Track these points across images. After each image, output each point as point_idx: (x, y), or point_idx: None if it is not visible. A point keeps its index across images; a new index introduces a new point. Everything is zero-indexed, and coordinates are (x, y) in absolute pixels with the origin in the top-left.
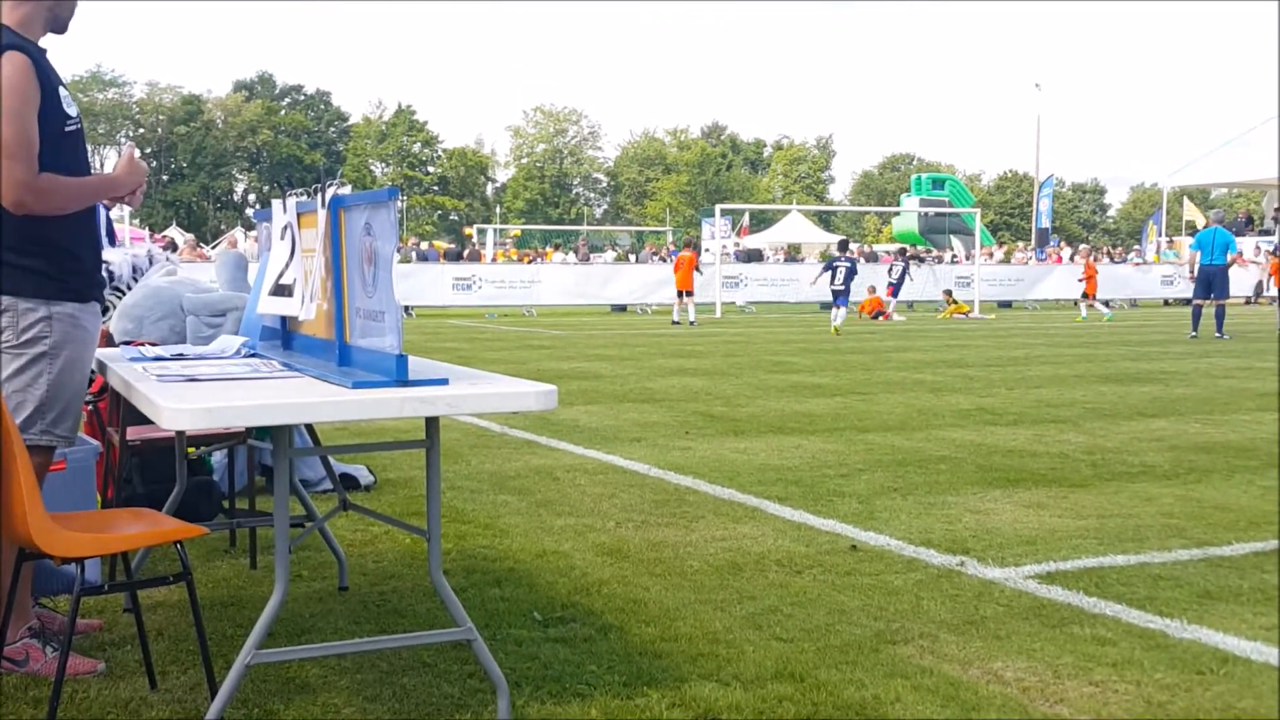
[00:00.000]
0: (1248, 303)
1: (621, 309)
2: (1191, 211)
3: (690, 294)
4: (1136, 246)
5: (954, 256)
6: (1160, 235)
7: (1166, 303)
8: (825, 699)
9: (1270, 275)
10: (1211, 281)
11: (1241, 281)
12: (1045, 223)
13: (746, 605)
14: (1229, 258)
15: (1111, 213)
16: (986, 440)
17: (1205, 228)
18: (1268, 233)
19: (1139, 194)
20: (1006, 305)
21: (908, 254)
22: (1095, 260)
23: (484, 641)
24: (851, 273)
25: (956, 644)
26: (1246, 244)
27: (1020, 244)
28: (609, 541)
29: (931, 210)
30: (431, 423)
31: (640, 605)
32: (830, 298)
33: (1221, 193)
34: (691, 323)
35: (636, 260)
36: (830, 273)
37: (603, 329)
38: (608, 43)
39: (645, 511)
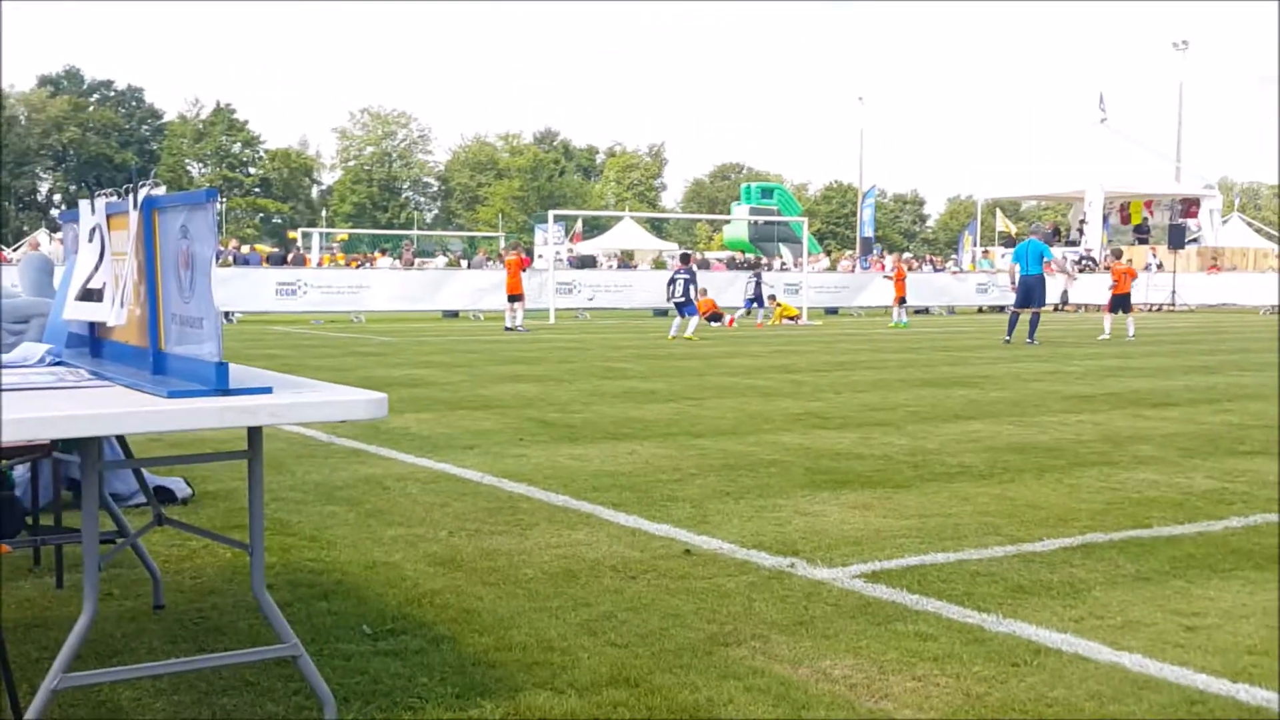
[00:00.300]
0: (1055, 310)
1: (454, 315)
2: (1004, 222)
3: (519, 299)
4: (954, 256)
5: (783, 264)
6: (975, 245)
7: (981, 310)
8: (660, 703)
9: (1112, 282)
10: (1030, 290)
11: (1050, 290)
12: (868, 232)
13: (581, 612)
14: (1044, 266)
15: (930, 223)
16: (815, 444)
17: (1021, 240)
18: (1074, 243)
19: (955, 205)
20: (833, 312)
21: (758, 266)
22: (910, 268)
23: (310, 657)
24: (690, 284)
25: (787, 644)
26: (1054, 254)
27: (846, 252)
28: (441, 551)
29: (761, 219)
30: (254, 433)
31: (473, 615)
32: (671, 308)
33: (1031, 205)
34: (519, 328)
35: (469, 265)
36: (671, 286)
37: (434, 335)
38: (438, 44)
39: (478, 520)
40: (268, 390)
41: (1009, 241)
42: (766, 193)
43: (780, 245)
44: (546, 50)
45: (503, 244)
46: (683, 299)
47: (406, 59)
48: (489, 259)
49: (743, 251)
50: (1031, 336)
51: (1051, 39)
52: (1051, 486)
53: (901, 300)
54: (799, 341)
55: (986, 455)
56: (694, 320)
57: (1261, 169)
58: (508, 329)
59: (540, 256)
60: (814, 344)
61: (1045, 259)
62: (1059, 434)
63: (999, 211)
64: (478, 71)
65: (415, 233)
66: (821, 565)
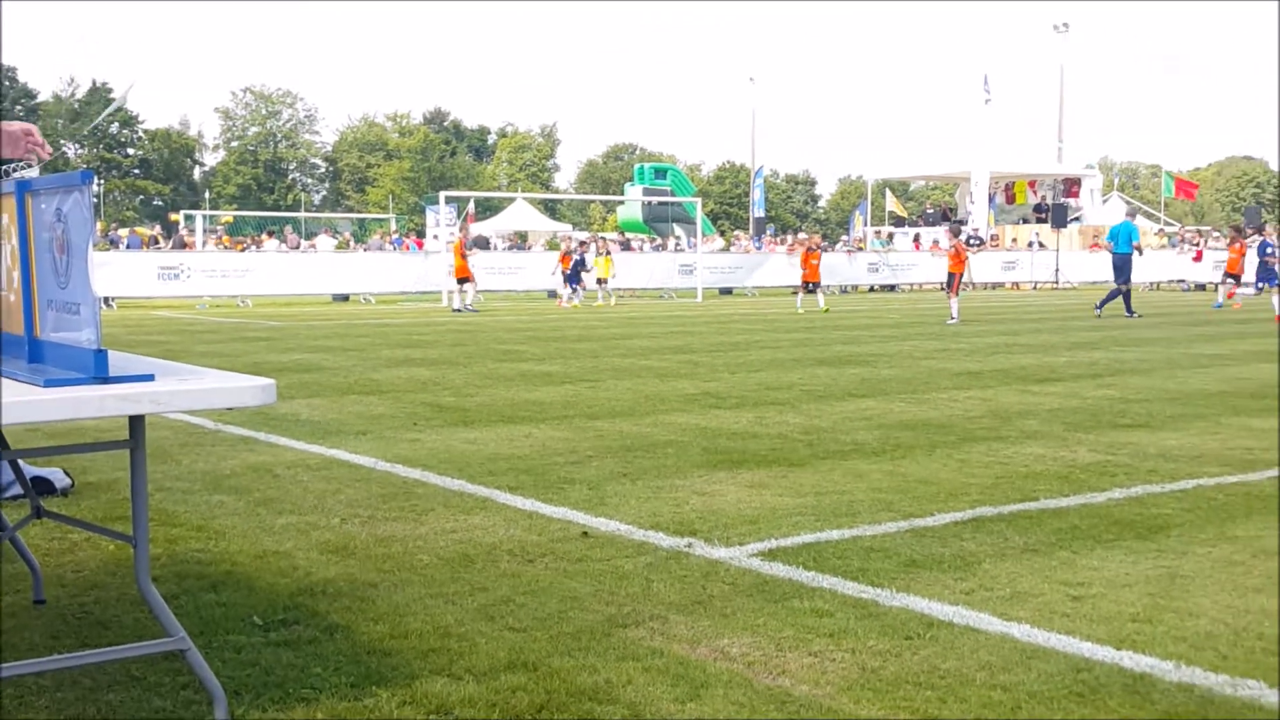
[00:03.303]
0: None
1: (344, 298)
2: (893, 202)
3: (468, 280)
4: (845, 236)
5: (677, 244)
6: (866, 225)
7: (872, 289)
8: (558, 686)
9: (949, 263)
10: (1122, 267)
11: (940, 270)
12: (760, 212)
13: (479, 597)
14: (1133, 246)
15: (822, 203)
16: (711, 424)
17: (1119, 222)
18: (962, 223)
19: (846, 185)
20: (727, 292)
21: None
22: (819, 249)
23: (198, 650)
24: (579, 264)
25: (685, 624)
26: (940, 234)
27: (739, 233)
28: (334, 539)
29: (654, 199)
30: (136, 421)
31: (368, 603)
32: (563, 284)
33: (920, 184)
34: (469, 308)
35: (365, 248)
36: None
37: (324, 319)
38: (324, 21)
39: (372, 506)
40: (150, 377)
41: (899, 221)
42: (660, 173)
43: (674, 226)
44: (436, 29)
45: (394, 225)
46: (572, 274)
47: (292, 36)
48: (384, 241)
49: (636, 233)
50: (1129, 310)
51: (938, 21)
52: (942, 462)
53: (808, 285)
54: (693, 322)
55: (879, 432)
56: (580, 292)
57: (1139, 149)
58: (456, 310)
59: (435, 238)
60: (708, 325)
61: (1134, 240)
62: (949, 410)
63: (888, 191)
64: (366, 50)
65: (303, 215)
66: (719, 545)
